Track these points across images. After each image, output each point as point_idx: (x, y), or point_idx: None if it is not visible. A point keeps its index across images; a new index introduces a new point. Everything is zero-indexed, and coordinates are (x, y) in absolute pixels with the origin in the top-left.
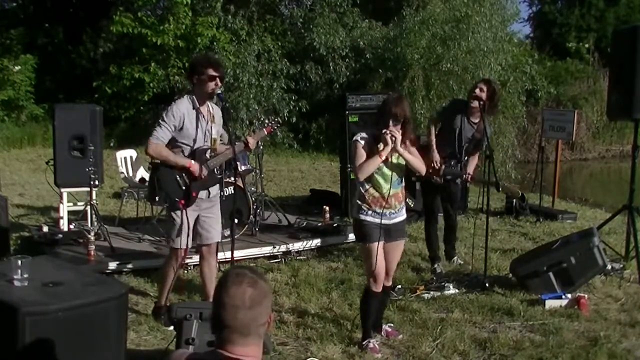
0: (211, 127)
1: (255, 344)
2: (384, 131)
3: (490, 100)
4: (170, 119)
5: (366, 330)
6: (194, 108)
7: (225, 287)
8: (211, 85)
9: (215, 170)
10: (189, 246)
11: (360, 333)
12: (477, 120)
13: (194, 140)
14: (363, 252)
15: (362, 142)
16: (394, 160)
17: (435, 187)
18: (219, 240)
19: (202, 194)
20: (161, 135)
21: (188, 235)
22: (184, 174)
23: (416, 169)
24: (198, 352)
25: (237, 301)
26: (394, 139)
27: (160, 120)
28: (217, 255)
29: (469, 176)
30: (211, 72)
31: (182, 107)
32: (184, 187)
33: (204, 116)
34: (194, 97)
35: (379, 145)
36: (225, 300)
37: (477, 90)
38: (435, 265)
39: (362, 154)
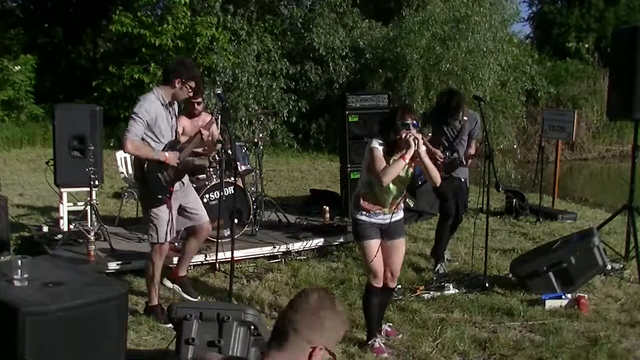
0: (175, 122)
1: (290, 356)
2: (405, 134)
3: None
4: (144, 115)
5: (371, 329)
6: (163, 105)
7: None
8: (186, 94)
9: (186, 160)
10: (169, 239)
11: (360, 333)
12: (460, 115)
13: (164, 136)
14: (361, 250)
15: (380, 149)
16: (402, 174)
17: (448, 186)
18: (207, 220)
19: (177, 185)
20: (137, 130)
21: (171, 230)
22: (165, 172)
23: (433, 178)
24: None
25: (295, 303)
26: (416, 141)
27: (133, 116)
28: None
29: (468, 158)
30: (193, 85)
31: (154, 104)
32: (165, 184)
33: (169, 112)
34: (162, 94)
35: (402, 149)
36: (289, 305)
37: (460, 117)
38: (438, 266)
39: (382, 160)
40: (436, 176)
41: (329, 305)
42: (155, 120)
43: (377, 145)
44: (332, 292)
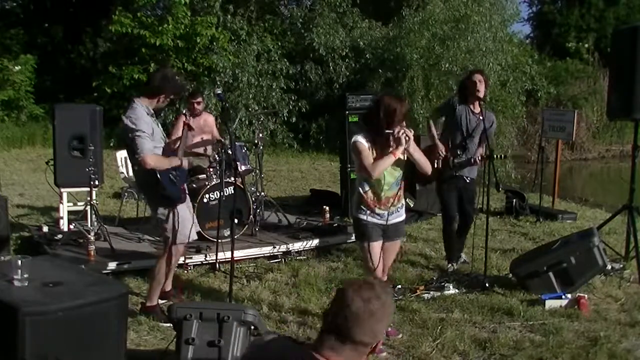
0: (161, 128)
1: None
2: (397, 130)
3: (486, 89)
4: (146, 129)
5: None
6: (149, 114)
7: (346, 290)
8: (163, 104)
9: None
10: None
11: None
12: (478, 110)
13: (159, 143)
14: (362, 251)
15: (364, 142)
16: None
17: (449, 185)
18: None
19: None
20: (149, 146)
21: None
22: (174, 172)
23: (423, 168)
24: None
25: (348, 302)
26: (407, 138)
27: (138, 133)
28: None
29: (477, 158)
30: (176, 96)
31: (144, 115)
32: (177, 184)
33: (155, 119)
34: (146, 105)
35: (391, 144)
36: (340, 301)
37: (478, 82)
38: (449, 265)
39: (369, 153)
40: (426, 166)
41: (377, 299)
42: (153, 130)
43: (361, 139)
44: (370, 282)
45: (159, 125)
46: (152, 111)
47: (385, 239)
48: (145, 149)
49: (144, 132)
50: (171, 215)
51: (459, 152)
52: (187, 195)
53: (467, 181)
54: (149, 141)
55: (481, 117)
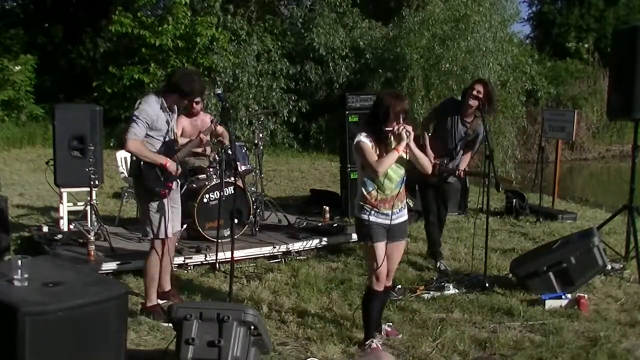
0: (175, 124)
1: None
2: (397, 127)
3: (487, 101)
4: (144, 117)
5: (368, 330)
6: (162, 108)
7: None
8: (183, 104)
9: (183, 160)
10: (169, 235)
11: (360, 333)
12: (470, 120)
13: (165, 136)
14: (365, 252)
15: (367, 141)
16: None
17: (430, 186)
18: (181, 230)
19: (173, 184)
20: (138, 131)
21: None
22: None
23: (423, 167)
24: None
25: None
26: (408, 134)
27: (134, 118)
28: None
29: (462, 172)
30: (192, 98)
31: (154, 106)
32: (162, 179)
33: (169, 114)
34: (162, 99)
35: (392, 141)
36: None
37: (475, 92)
38: (439, 263)
39: (373, 152)
40: (426, 164)
41: None
42: (157, 121)
43: (364, 139)
44: None
45: (172, 121)
46: (166, 105)
47: (390, 239)
48: (132, 133)
49: (140, 119)
50: (152, 207)
51: (445, 161)
52: (178, 195)
53: (448, 182)
54: (142, 128)
55: (469, 127)
